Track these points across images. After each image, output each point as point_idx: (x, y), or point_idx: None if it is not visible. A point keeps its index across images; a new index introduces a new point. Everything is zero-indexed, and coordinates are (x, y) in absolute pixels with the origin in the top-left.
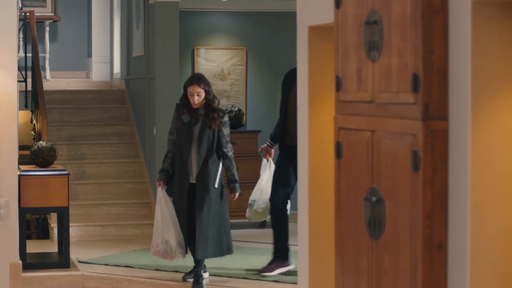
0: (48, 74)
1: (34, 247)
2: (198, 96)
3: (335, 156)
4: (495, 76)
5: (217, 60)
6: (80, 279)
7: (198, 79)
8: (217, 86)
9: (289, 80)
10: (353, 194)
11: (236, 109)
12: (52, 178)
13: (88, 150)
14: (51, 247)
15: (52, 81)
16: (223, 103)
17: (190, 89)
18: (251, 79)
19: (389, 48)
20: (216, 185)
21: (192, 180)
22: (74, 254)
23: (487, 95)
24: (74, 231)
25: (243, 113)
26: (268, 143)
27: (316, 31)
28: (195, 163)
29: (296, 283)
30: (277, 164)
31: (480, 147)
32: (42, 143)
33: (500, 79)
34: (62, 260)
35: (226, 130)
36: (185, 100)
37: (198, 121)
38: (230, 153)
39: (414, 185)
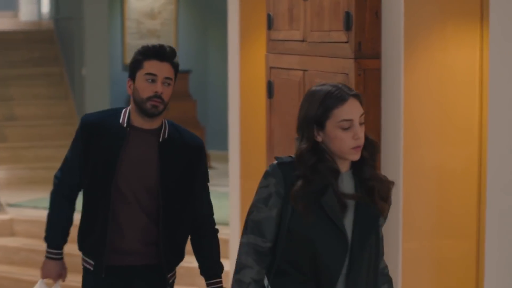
0: None
1: None
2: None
3: (266, 96)
4: (429, 15)
5: None
6: (9, 223)
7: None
8: (147, 25)
9: (98, 131)
10: (284, 133)
11: None
12: None
13: (17, 91)
14: None
15: None
16: (153, 43)
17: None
18: (182, 18)
19: None
20: None
21: None
22: (3, 197)
23: (420, 33)
24: (2, 173)
25: None
26: (50, 256)
27: None
28: None
29: (227, 224)
30: None
31: (413, 86)
32: None
33: (433, 18)
34: None
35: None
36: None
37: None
38: None
39: None
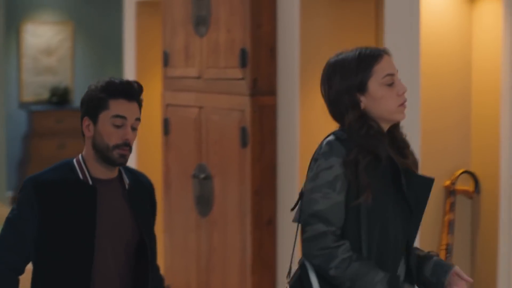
0: None
1: None
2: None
3: (162, 133)
4: (324, 50)
5: (44, 36)
6: None
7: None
8: (43, 62)
9: (57, 194)
10: (181, 171)
11: (63, 86)
12: None
13: None
14: None
15: None
16: (50, 80)
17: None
18: (78, 54)
19: (217, 23)
20: None
21: None
22: None
23: (316, 70)
24: None
25: (71, 90)
26: None
27: (144, 6)
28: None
29: None
30: None
31: (309, 122)
32: None
33: (330, 54)
34: None
35: None
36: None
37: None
38: None
39: (242, 161)
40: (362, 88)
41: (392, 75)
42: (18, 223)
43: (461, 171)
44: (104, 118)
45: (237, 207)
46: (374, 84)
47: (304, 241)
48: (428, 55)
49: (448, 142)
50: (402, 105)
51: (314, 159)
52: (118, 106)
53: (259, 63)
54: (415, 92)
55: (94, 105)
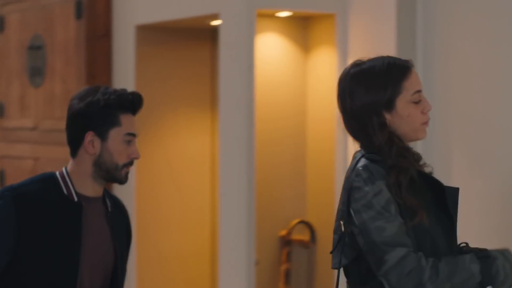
0: None
1: None
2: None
3: None
4: (159, 100)
5: None
6: None
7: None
8: None
9: (39, 210)
10: None
11: None
12: None
13: None
14: None
15: None
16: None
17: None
18: None
19: (52, 74)
20: None
21: None
22: None
23: (151, 120)
24: None
25: None
26: None
27: None
28: None
29: None
30: None
31: (144, 173)
32: None
33: (164, 103)
34: None
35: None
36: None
37: None
38: None
39: None
40: (389, 105)
41: (420, 91)
42: None
43: (297, 220)
44: (116, 135)
45: None
46: (402, 102)
47: (388, 272)
48: (263, 102)
49: (283, 192)
50: (426, 123)
51: (356, 188)
52: (128, 123)
53: None
54: (250, 141)
55: (103, 120)
